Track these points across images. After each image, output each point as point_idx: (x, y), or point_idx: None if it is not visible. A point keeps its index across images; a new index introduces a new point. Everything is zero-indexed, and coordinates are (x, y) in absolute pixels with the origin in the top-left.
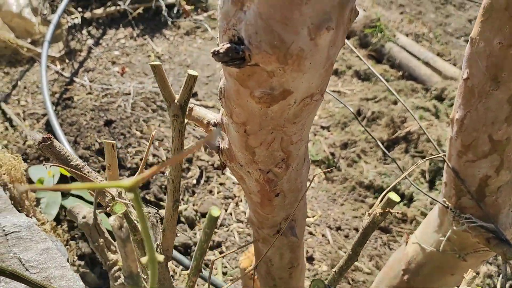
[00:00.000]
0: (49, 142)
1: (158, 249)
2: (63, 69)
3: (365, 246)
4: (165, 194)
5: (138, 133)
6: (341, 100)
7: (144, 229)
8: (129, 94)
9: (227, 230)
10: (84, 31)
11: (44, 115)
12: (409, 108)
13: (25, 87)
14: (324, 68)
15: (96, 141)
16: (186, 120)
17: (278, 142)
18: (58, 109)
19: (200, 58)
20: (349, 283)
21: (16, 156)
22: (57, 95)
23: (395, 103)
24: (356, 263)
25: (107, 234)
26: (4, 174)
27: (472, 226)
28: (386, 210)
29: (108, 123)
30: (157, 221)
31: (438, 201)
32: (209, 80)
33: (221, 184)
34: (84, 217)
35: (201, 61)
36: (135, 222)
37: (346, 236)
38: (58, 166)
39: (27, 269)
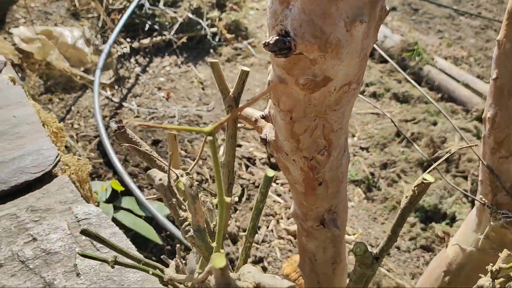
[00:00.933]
0: (122, 130)
1: (214, 230)
2: (113, 94)
3: (407, 265)
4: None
5: (183, 152)
6: (380, 122)
7: (217, 172)
8: (174, 117)
9: (269, 246)
10: (132, 60)
11: (96, 137)
12: (449, 129)
13: (78, 112)
14: (359, 57)
15: None
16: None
17: (320, 129)
18: (108, 131)
19: None
20: None
21: (82, 158)
22: (107, 119)
23: (434, 124)
24: (399, 280)
25: (178, 195)
26: (72, 174)
27: (509, 221)
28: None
29: (155, 142)
30: (212, 206)
31: (475, 198)
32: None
33: None
34: (160, 180)
35: None
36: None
37: (388, 254)
38: (131, 149)
39: (98, 249)
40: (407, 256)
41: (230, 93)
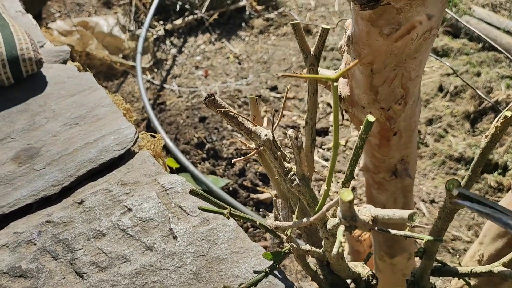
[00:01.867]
0: (212, 97)
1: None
2: (153, 77)
3: (462, 217)
4: (260, 180)
5: (229, 127)
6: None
7: (335, 118)
8: (216, 93)
9: None
10: (167, 42)
11: (143, 119)
12: (494, 78)
13: (122, 97)
14: (442, 2)
15: (194, 135)
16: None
17: (399, 78)
18: (155, 113)
19: (276, 53)
20: (450, 252)
21: (156, 134)
22: (151, 101)
23: (478, 75)
24: (455, 232)
25: (281, 149)
26: (148, 149)
27: None
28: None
29: (202, 119)
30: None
31: None
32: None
33: None
34: (266, 135)
35: (276, 56)
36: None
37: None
38: (220, 114)
39: (188, 214)
40: (460, 209)
41: (311, 52)
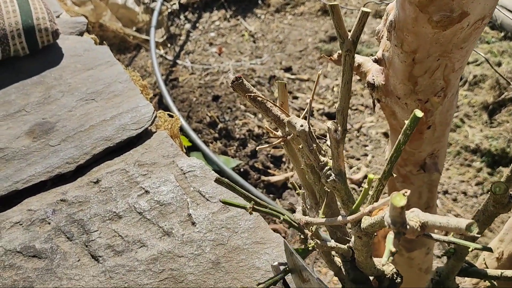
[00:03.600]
0: (240, 80)
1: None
2: (166, 53)
3: (475, 210)
4: (271, 163)
5: (242, 107)
6: None
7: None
8: (229, 71)
9: None
10: (182, 17)
11: (155, 95)
12: None
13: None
14: None
15: (207, 114)
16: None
17: (441, 69)
18: (167, 89)
19: (292, 33)
20: None
21: (174, 114)
22: (163, 77)
23: (498, 64)
24: None
25: (317, 141)
26: (165, 129)
27: None
28: None
29: (215, 98)
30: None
31: None
32: (301, 54)
33: None
34: (301, 126)
35: (292, 36)
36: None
37: (454, 200)
38: (248, 99)
39: (207, 199)
40: (474, 201)
41: (349, 37)
